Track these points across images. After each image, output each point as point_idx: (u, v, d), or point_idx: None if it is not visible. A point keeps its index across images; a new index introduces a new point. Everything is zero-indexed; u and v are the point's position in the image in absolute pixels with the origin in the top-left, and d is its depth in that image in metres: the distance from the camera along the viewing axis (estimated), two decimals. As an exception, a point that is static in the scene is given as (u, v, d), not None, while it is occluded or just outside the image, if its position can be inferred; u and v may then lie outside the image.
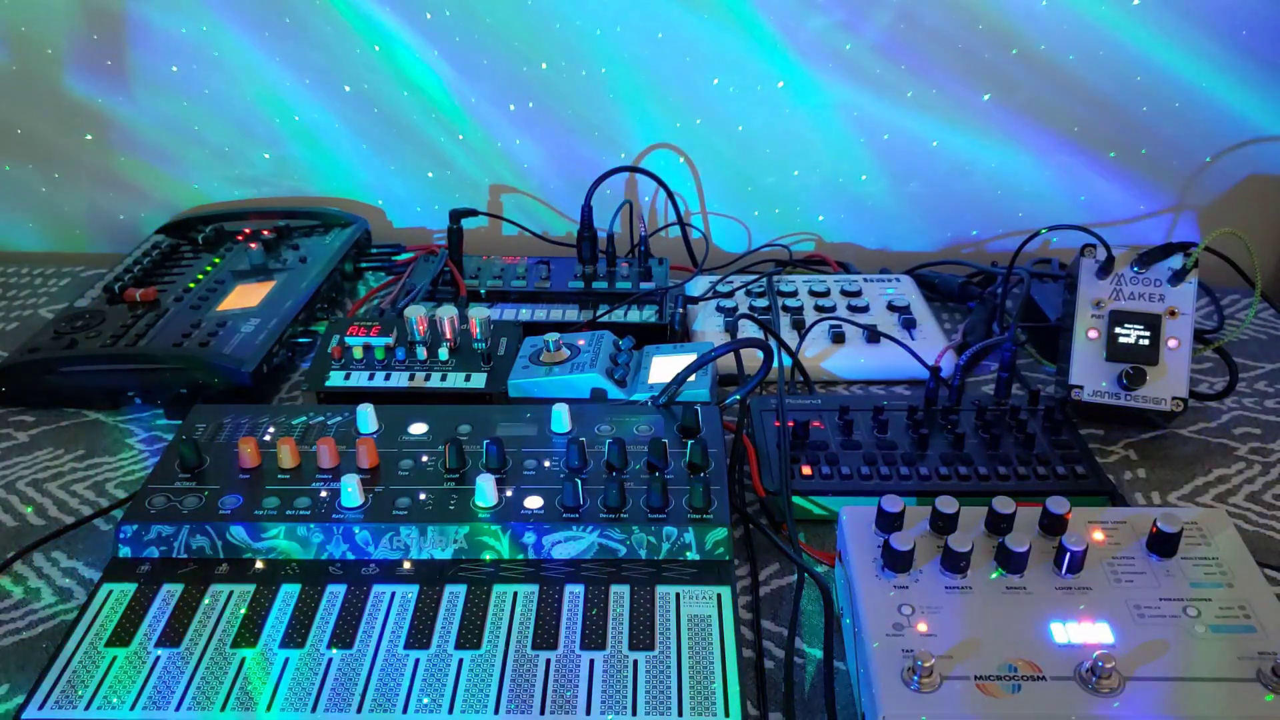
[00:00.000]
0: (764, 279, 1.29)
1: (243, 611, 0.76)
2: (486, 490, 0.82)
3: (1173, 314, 0.99)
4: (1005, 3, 1.27)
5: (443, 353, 1.07)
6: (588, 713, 0.68)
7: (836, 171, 1.41)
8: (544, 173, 1.44)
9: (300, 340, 1.19)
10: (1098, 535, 0.76)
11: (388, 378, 1.05)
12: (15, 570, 0.88)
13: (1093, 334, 1.00)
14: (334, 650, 0.73)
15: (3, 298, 1.37)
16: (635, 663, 0.71)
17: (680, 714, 0.68)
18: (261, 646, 0.73)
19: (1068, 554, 0.72)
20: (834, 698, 0.74)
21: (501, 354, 1.09)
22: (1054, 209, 1.40)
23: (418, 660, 0.72)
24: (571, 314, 1.22)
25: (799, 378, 1.13)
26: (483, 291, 1.24)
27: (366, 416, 0.92)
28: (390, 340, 1.08)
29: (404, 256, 1.41)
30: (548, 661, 0.72)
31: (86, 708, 0.69)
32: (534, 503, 0.83)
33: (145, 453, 1.03)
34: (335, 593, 0.78)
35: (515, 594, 0.77)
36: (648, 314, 1.21)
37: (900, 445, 0.96)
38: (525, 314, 1.22)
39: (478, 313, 1.11)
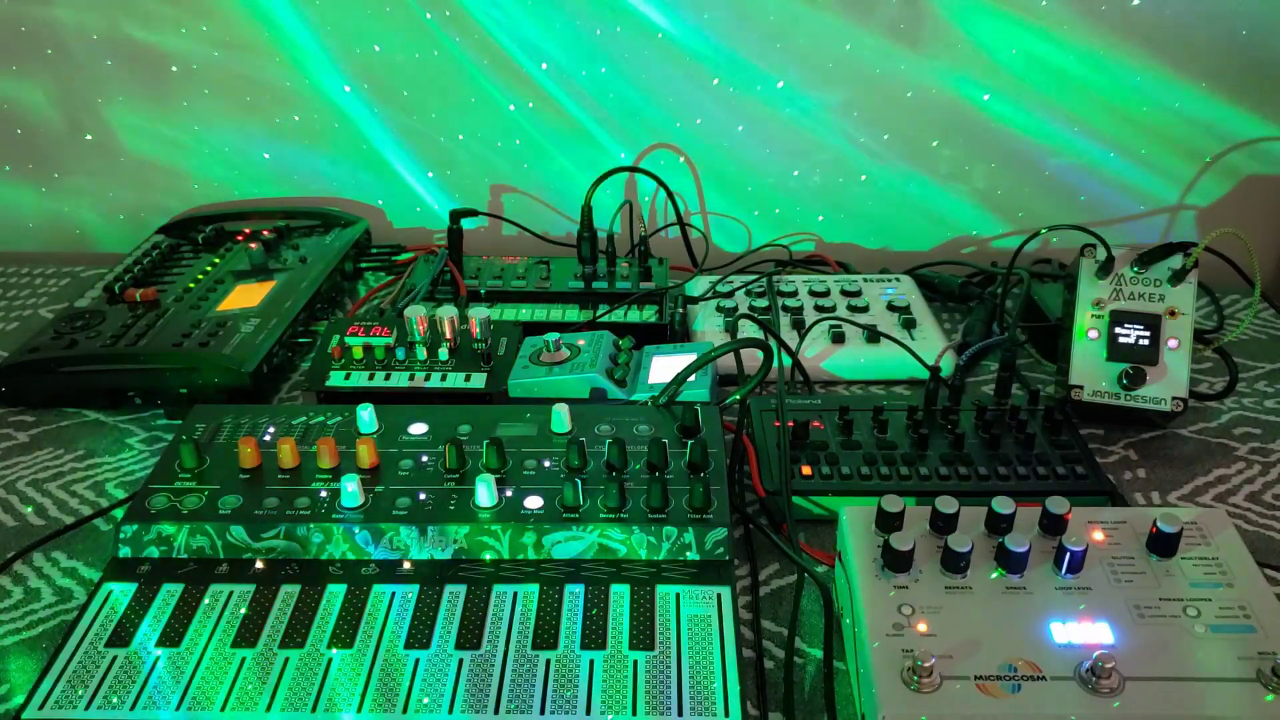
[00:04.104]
0: (764, 279, 1.29)
1: (243, 611, 0.76)
2: (486, 490, 0.82)
3: (1173, 314, 0.99)
4: (1005, 3, 1.27)
5: (443, 353, 1.07)
6: (588, 713, 0.68)
7: (836, 171, 1.41)
8: (544, 173, 1.44)
9: (300, 340, 1.19)
10: (1098, 535, 0.76)
11: (388, 378, 1.05)
12: (15, 570, 0.88)
13: (1093, 334, 1.00)
14: (334, 650, 0.73)
15: (3, 298, 1.37)
16: (635, 663, 0.71)
17: (680, 714, 0.68)
18: (261, 646, 0.73)
19: (1068, 554, 0.72)
20: (834, 698, 0.74)
21: (501, 354, 1.09)
22: (1054, 209, 1.40)
23: (418, 660, 0.72)
24: (571, 314, 1.22)
25: (799, 378, 1.13)
26: (483, 291, 1.24)
27: (366, 416, 0.92)
28: (390, 340, 1.08)
29: (404, 256, 1.41)
30: (548, 662, 0.72)
31: (86, 708, 0.69)
32: (534, 503, 0.83)
33: (145, 453, 1.03)
34: (335, 593, 0.78)
35: (515, 594, 0.77)
36: (648, 314, 1.21)
37: (900, 445, 0.96)
38: (525, 314, 1.22)
39: (478, 313, 1.11)
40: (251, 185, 1.47)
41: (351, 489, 0.82)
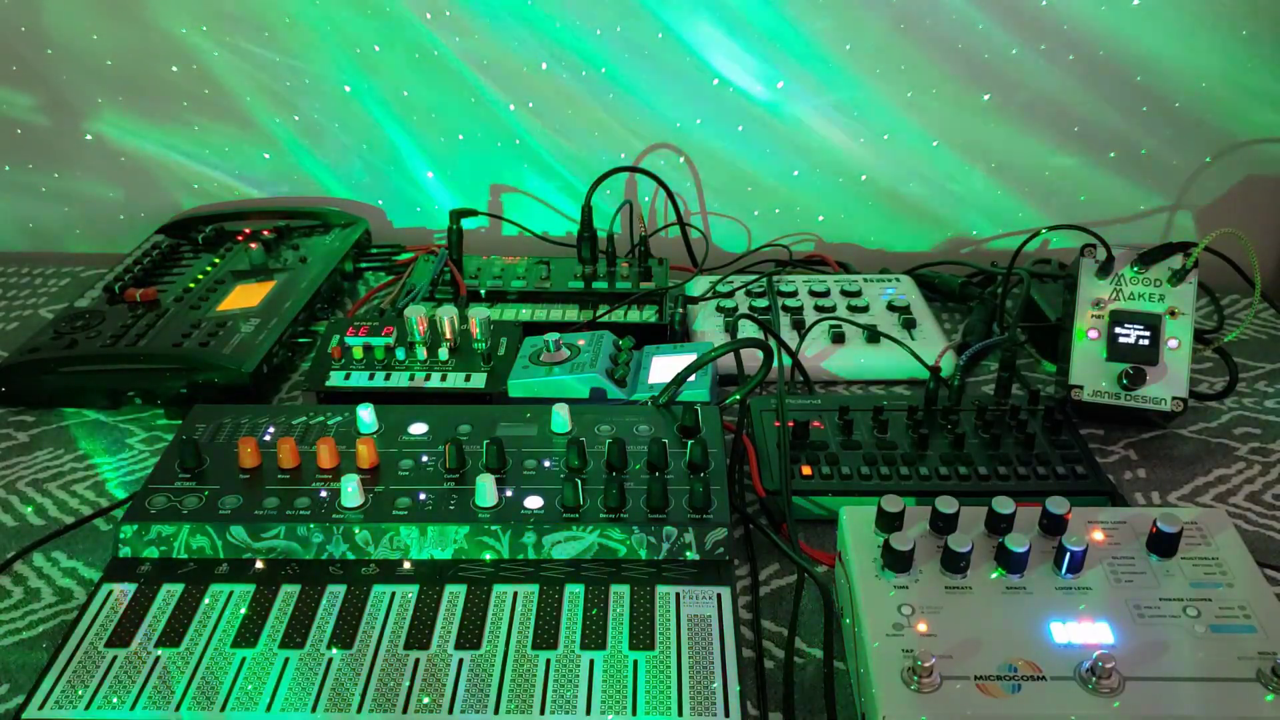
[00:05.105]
0: (764, 279, 1.29)
1: (243, 611, 0.76)
2: (486, 490, 0.82)
3: (1173, 314, 0.99)
4: (1005, 3, 1.27)
5: (443, 353, 1.07)
6: (588, 713, 0.68)
7: (836, 171, 1.41)
8: (544, 172, 1.44)
9: (300, 340, 1.19)
10: (1098, 535, 0.76)
11: (388, 378, 1.05)
12: (15, 570, 0.88)
13: (1093, 334, 1.00)
14: (334, 650, 0.73)
15: (3, 298, 1.37)
16: (635, 663, 0.71)
17: (680, 714, 0.68)
18: (261, 646, 0.73)
19: (1068, 554, 0.72)
20: (834, 698, 0.74)
21: (501, 354, 1.09)
22: (1054, 209, 1.40)
23: (418, 660, 0.72)
24: (571, 314, 1.22)
25: (799, 378, 1.13)
26: (483, 291, 1.24)
27: (366, 416, 0.92)
28: (390, 340, 1.08)
29: (404, 256, 1.41)
30: (548, 661, 0.72)
31: (86, 708, 0.69)
32: (534, 503, 0.83)
33: (145, 453, 1.03)
34: (335, 593, 0.78)
35: (515, 594, 0.77)
36: (648, 314, 1.21)
37: (900, 445, 0.96)
38: (525, 314, 1.22)
39: (478, 313, 1.11)
40: (251, 185, 1.47)
41: (351, 489, 0.82)
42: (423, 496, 0.84)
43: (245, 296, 1.21)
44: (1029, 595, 0.71)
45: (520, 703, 0.69)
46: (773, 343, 1.02)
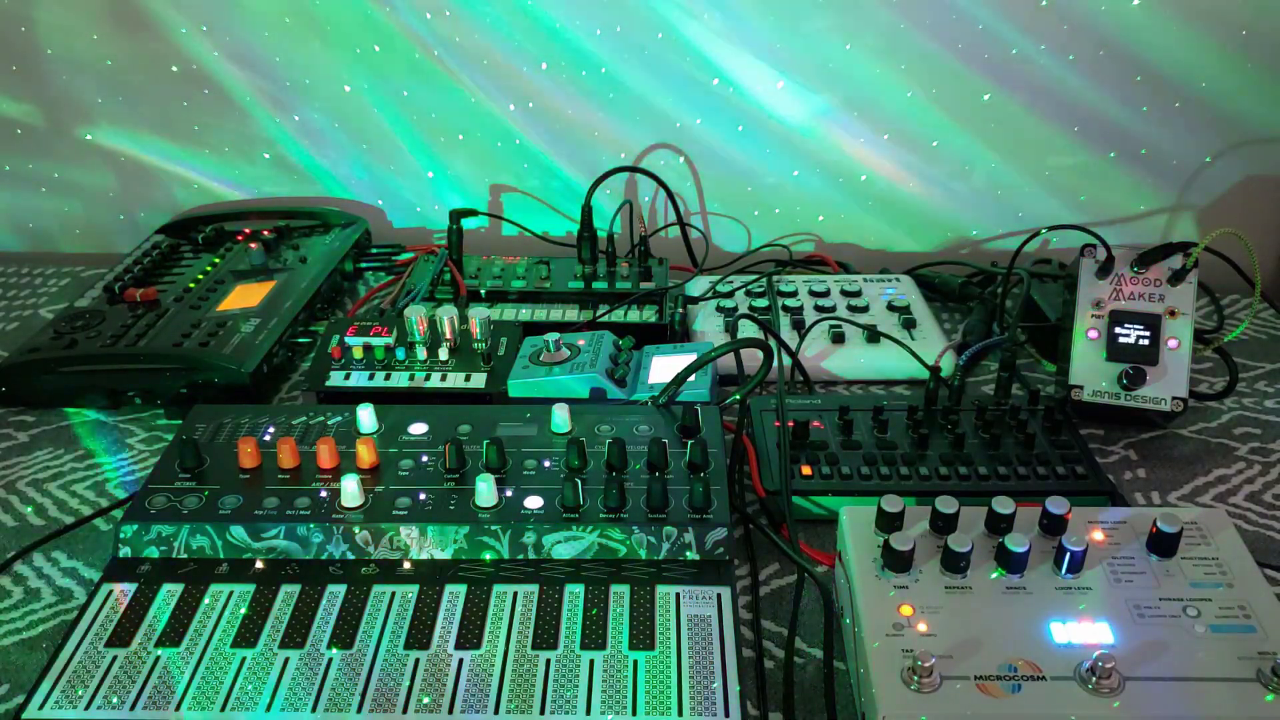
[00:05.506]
0: (764, 279, 1.29)
1: (243, 611, 0.76)
2: (486, 490, 0.82)
3: (1173, 314, 0.99)
4: (1005, 3, 1.27)
5: (443, 353, 1.07)
6: (588, 713, 0.68)
7: (836, 171, 1.41)
8: (544, 173, 1.44)
9: (300, 340, 1.19)
10: (1098, 535, 0.76)
11: (388, 378, 1.05)
12: (15, 570, 0.88)
13: (1093, 334, 1.00)
14: (334, 650, 0.73)
15: (3, 298, 1.37)
16: (635, 663, 0.71)
17: (680, 714, 0.68)
18: (261, 646, 0.73)
19: (1068, 554, 0.72)
20: (834, 698, 0.74)
21: (501, 354, 1.09)
22: (1054, 209, 1.40)
23: (418, 660, 0.72)
24: (571, 314, 1.22)
25: (799, 378, 1.13)
26: (483, 292, 1.24)
27: (366, 416, 0.92)
28: (390, 340, 1.08)
29: (404, 256, 1.41)
30: (548, 661, 0.72)
31: (86, 708, 0.69)
32: (534, 503, 0.83)
33: (145, 453, 1.03)
34: (335, 593, 0.78)
35: (515, 594, 0.77)
36: (648, 314, 1.21)
37: (900, 445, 0.96)
38: (525, 314, 1.22)
39: (478, 313, 1.11)
40: (251, 185, 1.47)
41: (351, 489, 0.82)
42: (423, 496, 0.84)
43: (245, 296, 1.21)
44: (1029, 595, 0.71)
45: (520, 703, 0.69)
46: (773, 343, 1.02)
